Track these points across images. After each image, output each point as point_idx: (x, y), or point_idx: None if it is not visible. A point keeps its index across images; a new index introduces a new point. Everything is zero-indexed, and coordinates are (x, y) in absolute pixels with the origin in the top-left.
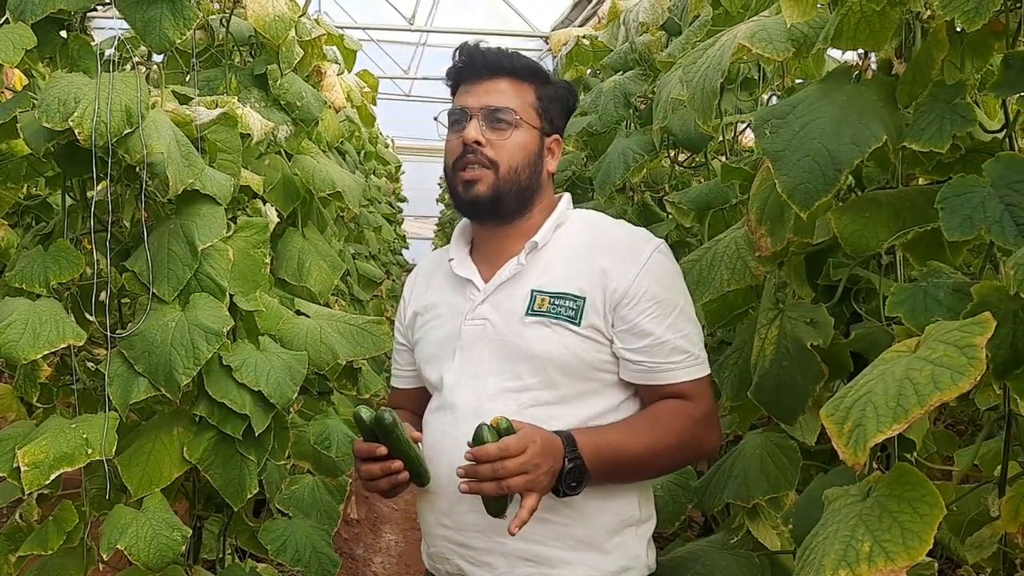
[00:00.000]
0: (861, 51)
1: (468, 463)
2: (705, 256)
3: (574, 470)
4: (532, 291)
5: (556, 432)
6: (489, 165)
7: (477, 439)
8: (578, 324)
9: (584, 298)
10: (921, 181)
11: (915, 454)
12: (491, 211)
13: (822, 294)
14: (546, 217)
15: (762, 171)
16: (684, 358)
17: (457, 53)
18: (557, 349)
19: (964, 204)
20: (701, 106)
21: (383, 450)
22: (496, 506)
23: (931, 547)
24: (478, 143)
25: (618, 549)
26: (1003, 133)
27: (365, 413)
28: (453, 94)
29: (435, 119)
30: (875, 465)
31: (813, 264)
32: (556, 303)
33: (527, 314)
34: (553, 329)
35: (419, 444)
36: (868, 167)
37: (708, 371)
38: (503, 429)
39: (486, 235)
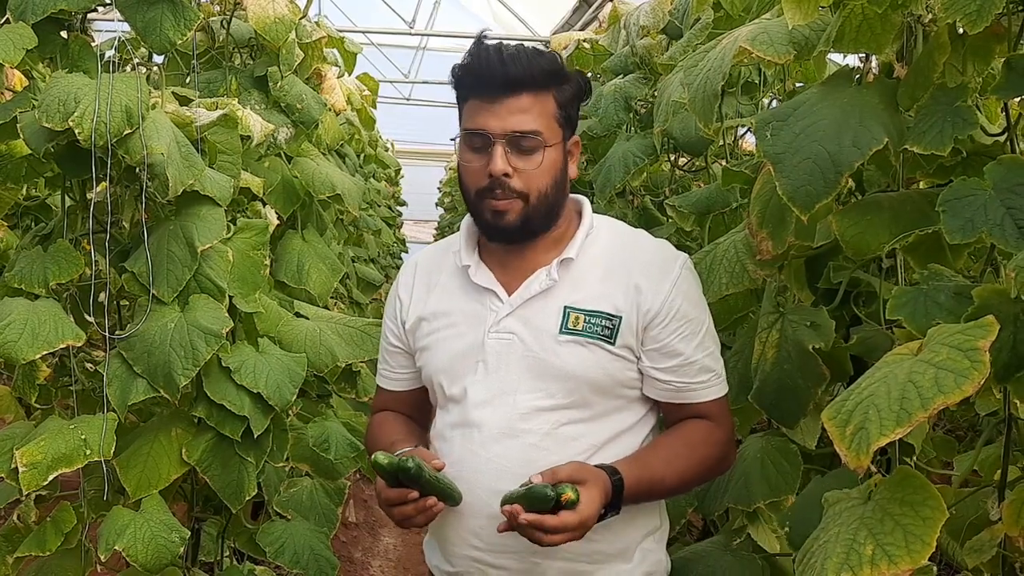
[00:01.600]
0: (863, 54)
1: (513, 513)
2: (704, 260)
3: (607, 514)
4: (565, 308)
5: (609, 473)
6: (518, 196)
7: (536, 499)
8: (613, 343)
9: (620, 317)
10: (922, 185)
11: (914, 458)
12: (521, 236)
13: (822, 297)
14: (569, 224)
15: (763, 174)
16: (710, 377)
17: (471, 58)
18: (592, 368)
19: (965, 207)
20: (702, 109)
21: (415, 494)
22: None
23: (933, 550)
24: (506, 175)
25: (642, 557)
26: (1004, 136)
27: (384, 460)
28: (463, 100)
29: (452, 140)
30: (874, 469)
31: (813, 268)
32: (591, 321)
33: (561, 332)
34: (588, 348)
35: (443, 470)
36: (869, 171)
37: (727, 388)
38: (571, 504)
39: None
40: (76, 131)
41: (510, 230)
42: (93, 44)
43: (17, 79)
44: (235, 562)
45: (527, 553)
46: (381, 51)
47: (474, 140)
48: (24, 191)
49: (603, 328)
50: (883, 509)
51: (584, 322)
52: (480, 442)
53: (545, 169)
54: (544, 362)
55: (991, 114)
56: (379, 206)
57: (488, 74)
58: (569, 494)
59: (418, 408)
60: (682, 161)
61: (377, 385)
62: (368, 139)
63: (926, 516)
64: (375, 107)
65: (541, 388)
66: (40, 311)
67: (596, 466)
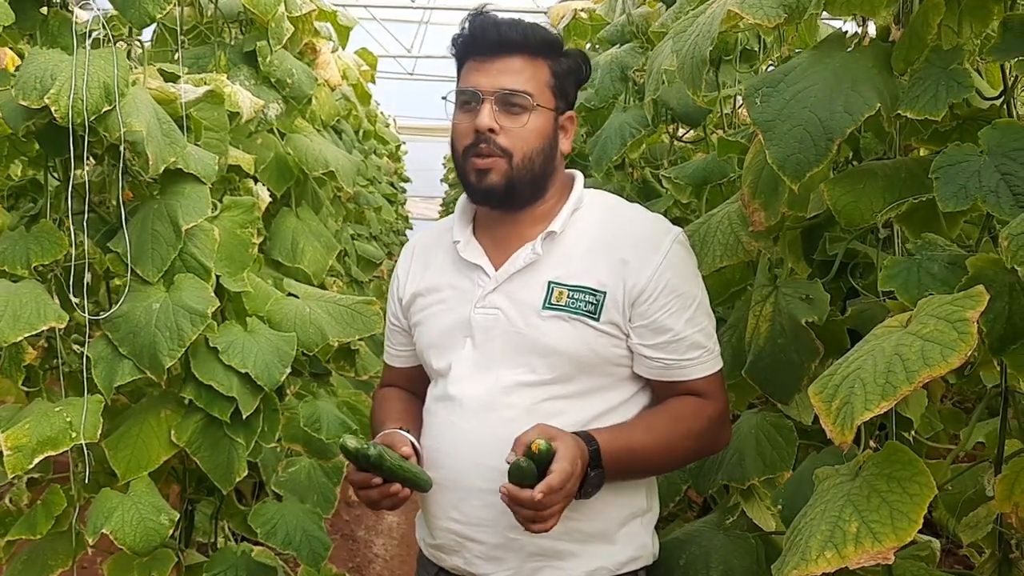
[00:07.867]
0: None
1: (504, 494)
2: (698, 231)
3: (594, 479)
4: (549, 283)
5: (584, 438)
6: (502, 154)
7: (516, 474)
8: (597, 319)
9: (604, 292)
10: (921, 152)
11: (915, 432)
12: (505, 201)
13: (819, 269)
14: (559, 200)
15: (756, 143)
16: (701, 354)
17: (467, 23)
18: (575, 344)
19: (959, 173)
20: (691, 75)
21: (378, 480)
22: None
23: (921, 527)
24: (492, 131)
25: (626, 540)
26: (1001, 100)
27: (351, 443)
28: (460, 65)
29: (443, 99)
30: (872, 444)
31: (809, 239)
32: (574, 296)
33: (544, 307)
34: (572, 324)
35: (411, 458)
36: (865, 138)
37: (721, 364)
38: (543, 453)
39: (495, 217)
40: (52, 108)
41: (494, 192)
42: (77, 21)
43: (9, 59)
44: (231, 543)
45: (504, 528)
46: (383, 25)
47: (464, 98)
48: (21, 171)
49: (587, 304)
50: (870, 485)
51: (568, 297)
52: (460, 415)
53: (532, 131)
54: (527, 337)
55: (992, 79)
56: (380, 183)
57: (483, 36)
58: (538, 443)
59: (421, 384)
60: (681, 132)
61: (384, 361)
62: (366, 115)
63: (914, 493)
64: (374, 82)
65: (524, 363)
66: (22, 293)
67: (574, 434)
